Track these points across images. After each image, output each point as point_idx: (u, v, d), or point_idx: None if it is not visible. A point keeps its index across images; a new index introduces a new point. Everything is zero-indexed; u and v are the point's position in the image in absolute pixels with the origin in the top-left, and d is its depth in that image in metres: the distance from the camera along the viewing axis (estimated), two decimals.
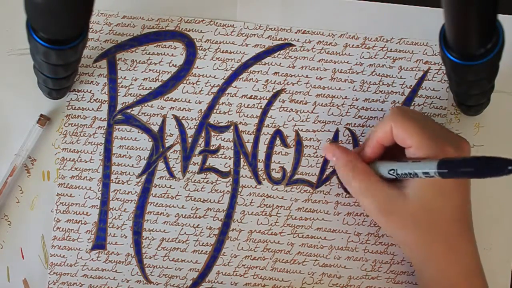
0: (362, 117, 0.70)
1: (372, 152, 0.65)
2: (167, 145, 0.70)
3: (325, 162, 0.70)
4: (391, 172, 0.63)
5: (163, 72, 0.70)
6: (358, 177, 0.64)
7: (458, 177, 0.58)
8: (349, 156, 0.65)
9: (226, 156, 0.70)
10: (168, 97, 0.70)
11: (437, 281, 0.63)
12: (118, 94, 0.70)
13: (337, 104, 0.71)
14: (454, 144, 0.62)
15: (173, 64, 0.70)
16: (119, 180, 0.70)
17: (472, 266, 0.64)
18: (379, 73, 0.71)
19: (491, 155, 0.70)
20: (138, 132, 0.70)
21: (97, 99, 0.70)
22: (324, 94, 0.71)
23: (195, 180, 0.70)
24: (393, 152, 0.65)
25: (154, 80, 0.70)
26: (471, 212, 0.65)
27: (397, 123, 0.63)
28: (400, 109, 0.64)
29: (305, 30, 0.71)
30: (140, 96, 0.70)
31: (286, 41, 0.71)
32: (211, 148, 0.70)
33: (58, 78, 0.65)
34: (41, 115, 0.69)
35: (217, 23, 0.70)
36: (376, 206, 0.64)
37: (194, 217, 0.70)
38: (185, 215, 0.70)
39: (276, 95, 0.70)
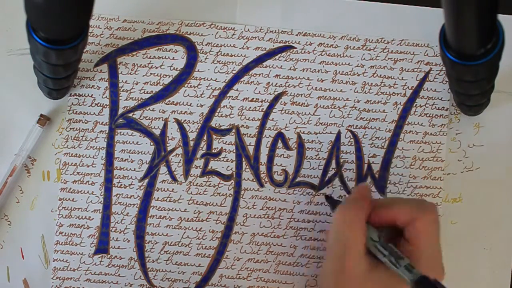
0: (364, 119, 0.70)
1: (380, 220, 0.63)
2: (169, 148, 0.70)
3: (327, 164, 0.70)
4: (371, 244, 0.61)
5: (164, 76, 0.70)
6: (354, 227, 0.61)
7: None
8: (367, 205, 0.62)
9: (228, 159, 0.70)
10: (169, 101, 0.70)
11: None
12: (120, 98, 0.70)
13: (338, 106, 0.71)
14: (437, 274, 0.60)
15: (174, 68, 0.70)
16: (121, 184, 0.70)
17: None
18: (381, 75, 0.71)
19: (491, 155, 0.70)
20: (140, 136, 0.70)
21: (98, 103, 0.70)
22: (326, 96, 0.71)
23: (197, 183, 0.70)
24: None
25: (156, 83, 0.70)
26: None
27: (425, 222, 0.61)
28: (435, 212, 0.62)
29: (306, 32, 0.71)
30: (141, 100, 0.70)
31: (287, 44, 0.71)
32: (213, 151, 0.70)
33: (58, 78, 0.65)
34: (41, 115, 0.69)
35: (217, 26, 0.71)
36: (338, 259, 0.61)
37: (196, 220, 0.70)
38: (188, 218, 0.70)
39: (277, 97, 0.71)
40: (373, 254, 0.61)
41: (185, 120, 0.70)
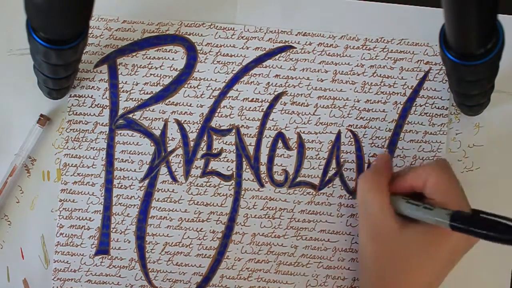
0: (364, 119, 0.70)
1: (399, 189, 0.65)
2: (169, 149, 0.70)
3: (328, 164, 0.70)
4: (399, 204, 0.64)
5: (164, 76, 0.70)
6: (376, 190, 0.64)
7: (468, 234, 0.57)
8: (387, 171, 0.66)
9: (228, 159, 0.70)
10: (169, 101, 0.70)
11: None
12: (120, 99, 0.70)
13: (338, 106, 0.71)
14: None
15: (174, 68, 0.70)
16: (121, 185, 0.70)
17: None
18: (380, 74, 0.71)
19: (491, 155, 0.70)
20: (140, 137, 0.70)
21: (98, 104, 0.70)
22: (326, 96, 0.71)
23: (197, 184, 0.70)
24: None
25: (155, 84, 0.70)
26: (442, 281, 0.65)
27: (438, 178, 0.63)
28: (446, 166, 0.64)
29: (305, 32, 0.71)
30: (141, 101, 0.70)
31: (286, 44, 0.71)
32: (213, 151, 0.70)
33: (58, 78, 0.65)
34: (41, 115, 0.69)
35: (217, 26, 0.71)
36: (370, 225, 0.64)
37: (197, 221, 0.70)
38: (188, 219, 0.70)
39: (277, 97, 0.71)
40: (402, 216, 0.63)
41: (185, 120, 0.70)
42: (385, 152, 0.70)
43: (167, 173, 0.70)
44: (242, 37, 0.71)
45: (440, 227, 0.60)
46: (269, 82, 0.71)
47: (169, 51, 0.70)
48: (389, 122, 0.71)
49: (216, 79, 0.70)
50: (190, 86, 0.70)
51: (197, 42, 0.70)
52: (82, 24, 0.59)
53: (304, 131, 0.70)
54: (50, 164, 0.70)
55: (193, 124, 0.70)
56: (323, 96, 0.71)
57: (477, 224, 0.56)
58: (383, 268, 0.63)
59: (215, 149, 0.70)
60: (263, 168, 0.70)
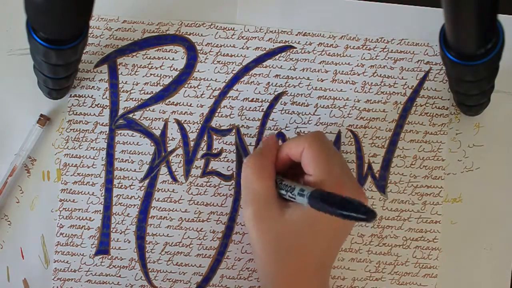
0: (364, 119, 0.71)
1: (279, 163, 0.65)
2: (169, 149, 0.70)
3: None
4: (277, 181, 0.63)
5: (164, 76, 0.70)
6: (258, 173, 0.64)
7: (325, 212, 0.56)
8: (272, 154, 0.65)
9: (228, 159, 0.70)
10: (169, 101, 0.70)
11: None
12: (120, 98, 0.70)
13: (338, 106, 0.71)
14: (351, 191, 0.61)
15: (174, 68, 0.70)
16: (121, 185, 0.70)
17: None
18: (381, 74, 0.71)
19: (491, 155, 0.70)
20: (140, 137, 0.70)
21: (98, 104, 0.70)
22: (326, 96, 0.71)
23: (197, 183, 0.70)
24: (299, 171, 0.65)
25: (155, 84, 0.70)
26: (334, 258, 0.65)
27: (310, 148, 0.62)
28: (319, 137, 0.64)
29: (305, 32, 0.71)
30: (141, 101, 0.70)
31: (286, 44, 0.71)
32: (213, 151, 0.70)
33: (58, 78, 0.65)
34: (41, 115, 0.69)
35: (217, 26, 0.71)
36: (252, 210, 0.63)
37: (197, 220, 0.70)
38: (188, 219, 0.70)
39: (277, 97, 0.71)
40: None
41: (185, 120, 0.70)
42: (273, 134, 0.69)
43: (167, 173, 0.70)
44: (242, 37, 0.71)
45: None
46: (269, 82, 0.71)
47: (169, 51, 0.70)
48: (389, 122, 0.71)
49: (216, 79, 0.70)
50: (190, 86, 0.70)
51: (197, 42, 0.70)
52: (82, 24, 0.59)
53: (304, 131, 0.70)
54: (50, 164, 0.70)
55: (193, 124, 0.70)
56: (323, 96, 0.71)
57: (334, 203, 0.55)
58: (271, 252, 0.62)
59: (215, 149, 0.70)
60: None
